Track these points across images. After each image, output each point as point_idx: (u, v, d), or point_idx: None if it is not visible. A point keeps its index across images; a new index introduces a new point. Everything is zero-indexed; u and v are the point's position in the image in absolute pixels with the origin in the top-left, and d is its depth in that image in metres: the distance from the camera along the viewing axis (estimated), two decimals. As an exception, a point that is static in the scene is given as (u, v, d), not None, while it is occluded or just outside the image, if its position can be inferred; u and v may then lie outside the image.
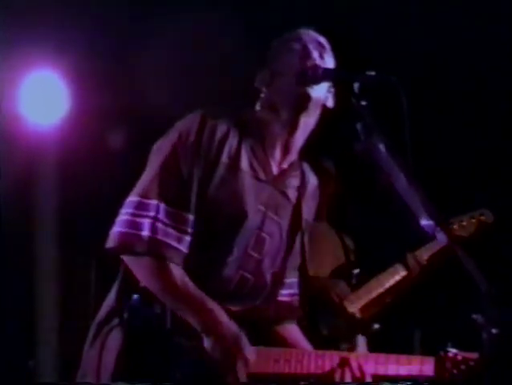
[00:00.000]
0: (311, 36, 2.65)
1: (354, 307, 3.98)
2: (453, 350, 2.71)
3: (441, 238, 2.23)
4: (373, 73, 2.39)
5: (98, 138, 4.26)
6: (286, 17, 2.70)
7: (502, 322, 2.02)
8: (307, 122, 2.62)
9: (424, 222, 2.21)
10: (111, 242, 2.47)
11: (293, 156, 2.67)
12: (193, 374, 2.40)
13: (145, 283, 2.45)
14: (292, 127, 2.60)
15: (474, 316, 2.08)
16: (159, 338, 2.39)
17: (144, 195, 2.46)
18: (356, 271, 4.12)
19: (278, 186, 2.64)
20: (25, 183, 4.43)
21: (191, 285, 2.44)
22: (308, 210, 2.76)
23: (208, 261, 2.51)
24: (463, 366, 2.69)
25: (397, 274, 4.02)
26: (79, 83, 4.43)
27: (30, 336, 4.62)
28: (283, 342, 2.67)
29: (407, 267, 3.99)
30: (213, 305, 2.44)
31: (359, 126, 2.33)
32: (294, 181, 2.70)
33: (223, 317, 2.43)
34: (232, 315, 2.48)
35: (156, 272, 2.44)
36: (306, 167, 2.77)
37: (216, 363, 2.39)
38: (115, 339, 2.41)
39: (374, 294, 4.01)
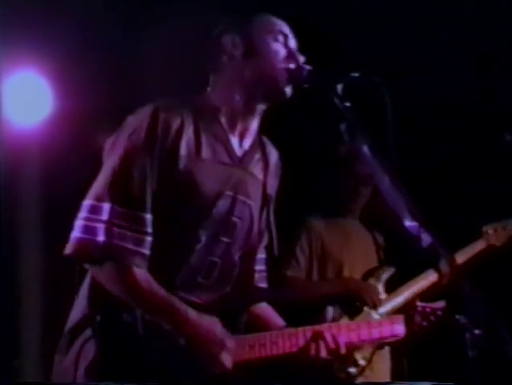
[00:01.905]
0: (280, 25, 2.63)
1: (381, 311, 3.91)
2: (421, 304, 2.76)
3: (426, 239, 2.23)
4: (357, 74, 2.40)
5: (82, 139, 4.24)
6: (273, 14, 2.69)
7: (486, 323, 2.03)
8: (262, 107, 2.62)
9: (408, 223, 2.22)
10: (68, 248, 2.42)
11: (253, 135, 2.65)
12: (174, 373, 2.38)
13: (110, 289, 2.40)
14: (248, 112, 2.60)
15: (457, 317, 2.09)
16: (135, 342, 2.36)
17: (98, 198, 2.41)
18: (391, 271, 4.03)
19: (244, 167, 2.61)
20: (8, 184, 4.41)
21: (156, 288, 2.40)
22: (271, 185, 2.73)
23: (176, 255, 2.48)
24: (432, 317, 2.75)
25: (428, 279, 3.98)
26: (62, 83, 4.41)
27: (15, 336, 4.61)
28: (257, 321, 2.68)
29: (439, 273, 3.98)
30: (180, 305, 2.41)
31: (342, 127, 2.33)
32: (257, 157, 2.67)
33: (192, 315, 2.41)
34: (203, 306, 2.48)
35: (119, 277, 2.39)
36: (266, 140, 2.74)
37: (199, 359, 2.39)
38: (90, 347, 2.37)
39: (402, 299, 3.93)
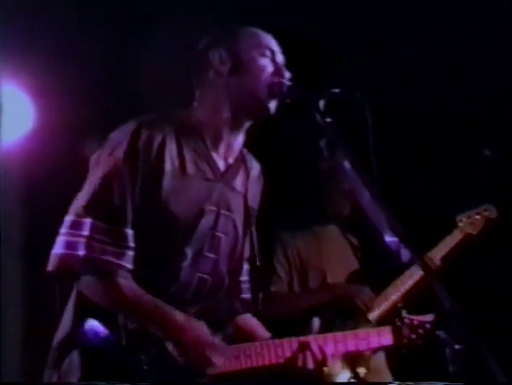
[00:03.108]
0: (267, 40, 2.62)
1: (373, 315, 3.83)
2: (409, 316, 2.76)
3: (405, 253, 2.24)
4: (338, 90, 2.41)
5: (64, 152, 4.23)
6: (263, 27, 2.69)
7: (465, 337, 2.04)
8: (248, 123, 2.62)
9: (388, 238, 2.23)
10: (50, 265, 2.42)
11: (237, 151, 2.65)
12: (159, 382, 2.37)
13: (97, 301, 2.41)
14: (234, 128, 2.59)
15: (438, 332, 2.10)
16: (117, 358, 2.36)
17: (79, 214, 2.41)
18: (376, 273, 3.88)
19: (226, 182, 2.61)
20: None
21: (142, 295, 2.41)
22: (253, 197, 2.72)
23: (163, 272, 2.48)
24: (420, 330, 2.76)
25: (413, 278, 3.82)
26: (44, 97, 4.39)
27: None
28: (241, 332, 2.67)
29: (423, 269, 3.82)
30: (167, 308, 2.41)
31: (323, 143, 2.34)
32: (239, 172, 2.67)
33: (180, 317, 2.42)
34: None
35: (104, 289, 2.40)
36: (247, 154, 2.73)
37: (186, 365, 2.39)
38: (77, 362, 2.37)
39: (391, 301, 3.86)
